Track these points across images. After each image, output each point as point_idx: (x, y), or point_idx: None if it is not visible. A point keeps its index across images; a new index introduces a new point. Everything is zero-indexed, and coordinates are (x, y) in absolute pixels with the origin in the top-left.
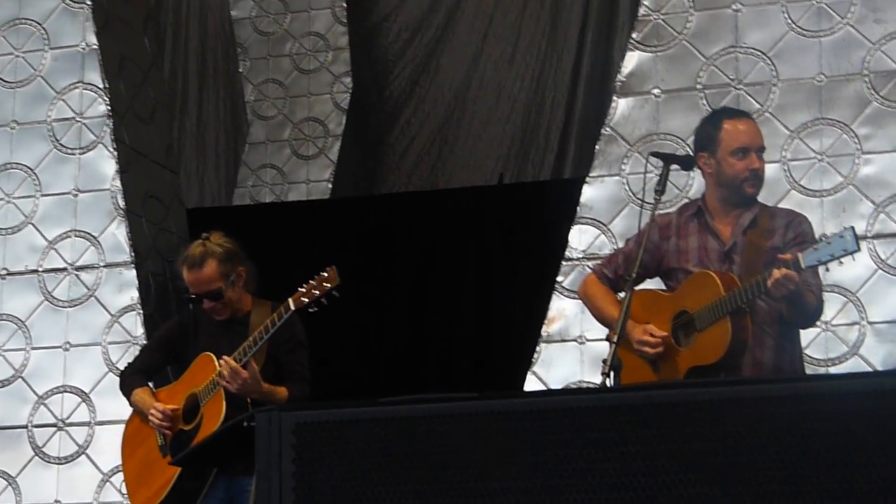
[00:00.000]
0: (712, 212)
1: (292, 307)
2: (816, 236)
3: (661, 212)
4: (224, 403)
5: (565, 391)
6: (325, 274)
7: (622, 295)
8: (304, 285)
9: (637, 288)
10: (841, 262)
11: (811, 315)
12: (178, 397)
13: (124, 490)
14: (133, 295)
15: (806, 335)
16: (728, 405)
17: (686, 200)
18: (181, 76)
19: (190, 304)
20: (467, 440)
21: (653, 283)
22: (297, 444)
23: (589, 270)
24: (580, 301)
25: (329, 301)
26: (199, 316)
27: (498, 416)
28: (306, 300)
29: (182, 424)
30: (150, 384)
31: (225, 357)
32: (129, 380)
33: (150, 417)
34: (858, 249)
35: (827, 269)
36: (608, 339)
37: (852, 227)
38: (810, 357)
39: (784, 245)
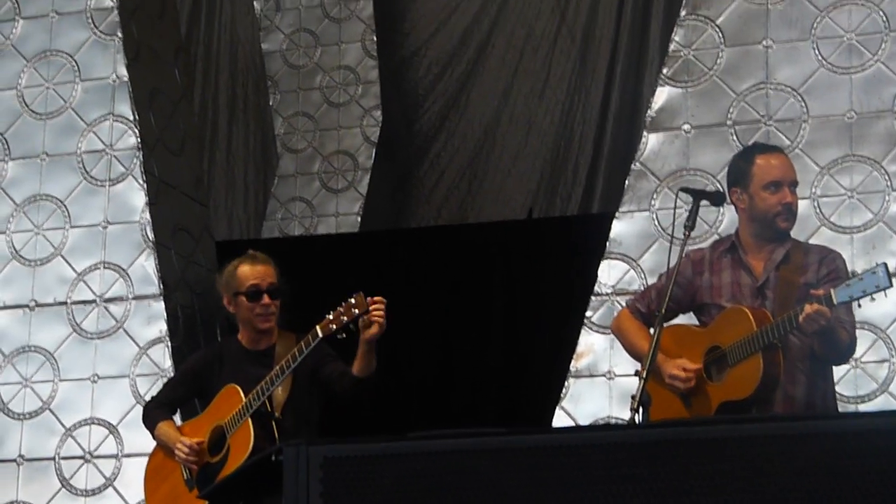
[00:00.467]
0: (745, 247)
1: (320, 334)
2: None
3: (695, 247)
4: (252, 435)
5: (594, 427)
6: (354, 300)
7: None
8: (332, 312)
9: (670, 323)
10: (873, 299)
11: (843, 352)
12: (202, 430)
13: None
14: (161, 327)
15: (836, 372)
16: (758, 442)
17: (716, 236)
18: (211, 109)
19: (249, 297)
20: (496, 475)
21: (685, 319)
22: (324, 478)
23: (618, 306)
24: (609, 336)
25: (357, 328)
26: (225, 349)
27: (527, 451)
28: (334, 327)
29: (208, 457)
30: (176, 417)
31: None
32: (153, 413)
33: (177, 452)
34: (891, 285)
35: (859, 306)
36: (637, 374)
37: (885, 264)
38: (840, 394)
39: (818, 281)
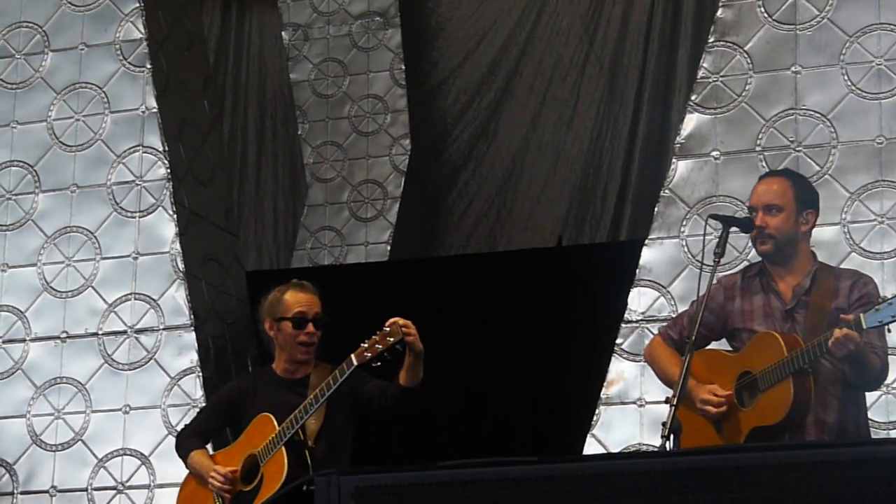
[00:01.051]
0: (772, 272)
1: (355, 362)
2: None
3: (725, 273)
4: (286, 462)
5: (624, 455)
6: (388, 329)
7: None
8: (367, 340)
9: (701, 349)
10: None
11: (875, 377)
12: (235, 459)
13: None
14: (192, 357)
15: (868, 398)
16: (789, 469)
17: (746, 263)
18: (240, 139)
19: (293, 325)
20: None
21: (718, 345)
22: None
23: (648, 333)
24: (640, 363)
25: (392, 356)
26: (259, 378)
27: (558, 480)
28: (369, 355)
29: (241, 486)
30: (209, 446)
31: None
32: (186, 442)
33: (211, 480)
34: None
35: (889, 331)
36: (668, 401)
37: None
38: (871, 420)
39: (849, 306)
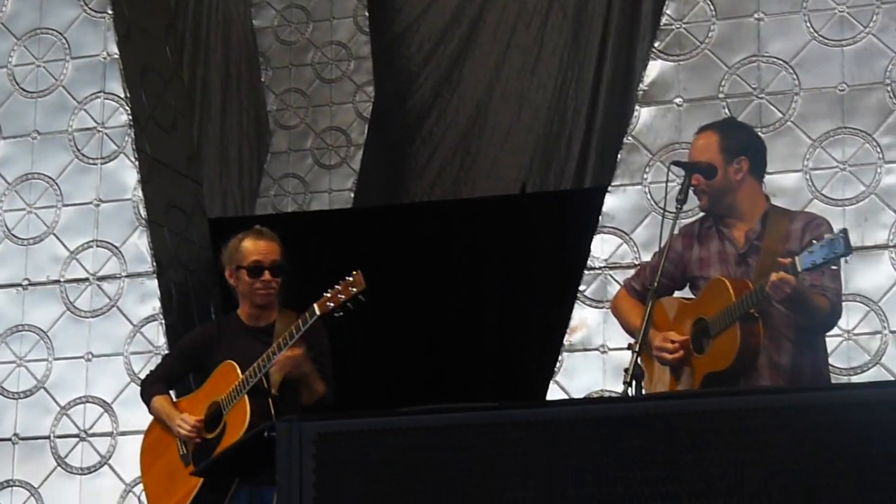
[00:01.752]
0: (726, 220)
1: (317, 312)
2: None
3: (686, 222)
4: (248, 410)
5: (585, 401)
6: (351, 279)
7: (662, 301)
8: (330, 290)
9: (663, 298)
10: (835, 265)
11: (823, 319)
12: (199, 406)
13: (145, 501)
14: (155, 305)
15: (828, 344)
16: (748, 415)
17: None
18: (203, 86)
19: (249, 273)
20: (488, 450)
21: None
22: (317, 454)
23: (611, 280)
24: (602, 310)
25: (355, 306)
26: (224, 325)
27: (519, 425)
28: (332, 305)
29: (205, 433)
30: (172, 393)
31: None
32: (150, 388)
33: (178, 429)
34: (849, 252)
35: (832, 267)
36: (630, 347)
37: (845, 230)
38: (832, 366)
39: (801, 249)
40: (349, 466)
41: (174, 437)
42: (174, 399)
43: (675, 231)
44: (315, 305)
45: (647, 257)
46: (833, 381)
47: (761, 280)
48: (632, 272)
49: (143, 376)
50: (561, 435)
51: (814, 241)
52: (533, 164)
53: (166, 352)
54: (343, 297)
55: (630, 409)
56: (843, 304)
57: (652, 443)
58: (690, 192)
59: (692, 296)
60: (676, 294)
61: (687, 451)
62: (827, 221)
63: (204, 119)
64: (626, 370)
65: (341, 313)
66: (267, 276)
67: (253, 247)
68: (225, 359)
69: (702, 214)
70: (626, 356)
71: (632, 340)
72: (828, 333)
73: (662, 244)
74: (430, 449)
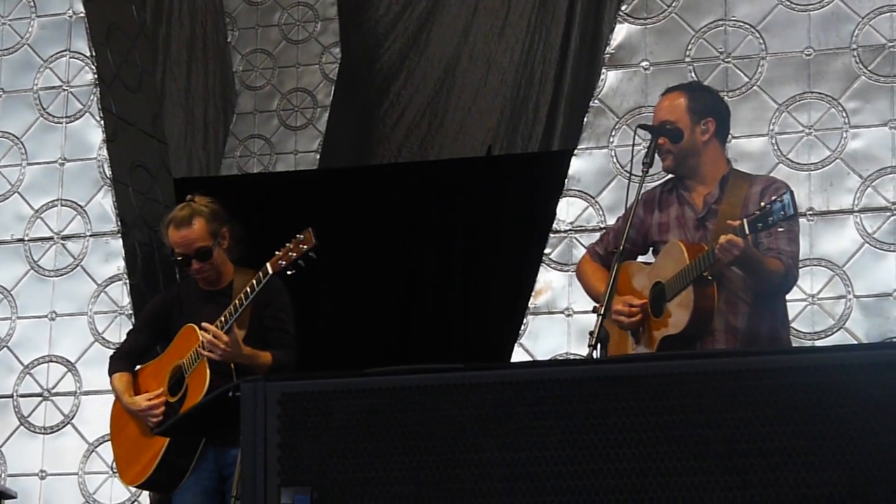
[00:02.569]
0: (686, 183)
1: (270, 271)
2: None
3: (651, 185)
4: (208, 373)
5: (550, 363)
6: (301, 236)
7: (624, 265)
8: (281, 249)
9: (627, 262)
10: (781, 227)
11: (778, 282)
12: (164, 371)
13: (110, 460)
14: (119, 264)
15: (792, 309)
16: (713, 378)
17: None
18: (166, 45)
19: (177, 266)
20: (453, 411)
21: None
22: (282, 414)
23: (576, 243)
24: (567, 273)
25: (307, 263)
26: (183, 290)
27: (484, 387)
28: (283, 263)
29: (168, 397)
30: (135, 370)
31: (204, 324)
32: (114, 363)
33: (146, 418)
34: (795, 213)
35: (784, 229)
36: (595, 311)
37: (790, 191)
38: (797, 330)
39: None
40: (314, 427)
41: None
42: (134, 372)
43: (640, 195)
44: (267, 264)
45: (612, 221)
46: (797, 345)
47: (714, 243)
48: (597, 236)
49: (107, 336)
50: (526, 396)
51: (762, 203)
52: (500, 127)
53: (131, 311)
54: (294, 254)
55: (594, 371)
56: (809, 268)
57: (616, 405)
58: (656, 156)
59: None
60: (640, 259)
61: (651, 414)
62: (786, 185)
63: (168, 78)
64: (591, 333)
65: (294, 271)
66: (195, 265)
67: (175, 238)
68: (186, 322)
69: (664, 179)
70: (591, 319)
71: (596, 304)
72: (791, 297)
73: (628, 206)
74: (396, 410)
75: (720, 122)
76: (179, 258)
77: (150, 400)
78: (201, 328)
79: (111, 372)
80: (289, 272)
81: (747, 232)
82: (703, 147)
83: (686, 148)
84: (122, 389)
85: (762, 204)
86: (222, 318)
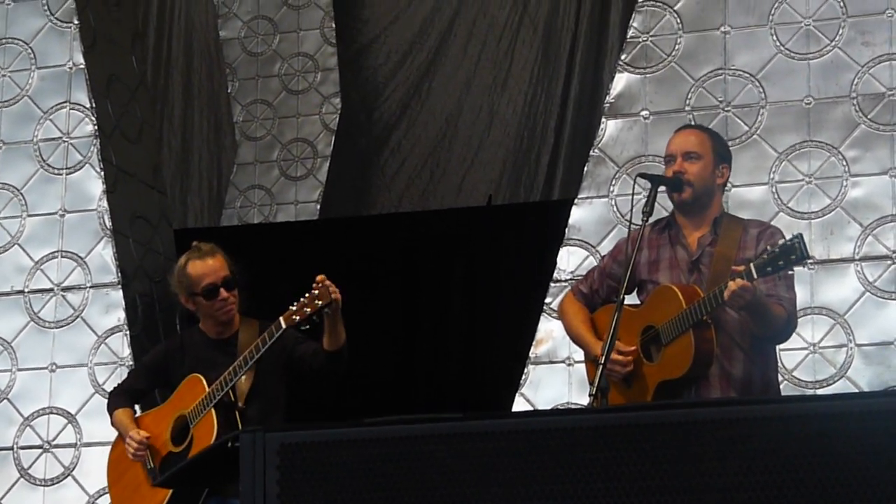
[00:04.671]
0: (681, 224)
1: (283, 325)
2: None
3: (638, 225)
4: (216, 423)
5: (549, 412)
6: (317, 291)
7: (607, 308)
8: (295, 303)
9: (608, 305)
10: (792, 271)
11: (780, 329)
12: (165, 420)
13: None
14: (120, 316)
15: (793, 357)
16: (713, 426)
17: None
18: (166, 96)
19: (206, 296)
20: (452, 461)
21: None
22: (281, 464)
23: None
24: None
25: (321, 319)
26: (187, 339)
27: (483, 436)
28: (298, 318)
29: (171, 447)
30: (137, 407)
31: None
32: (114, 400)
33: (126, 446)
34: (806, 257)
35: (788, 272)
36: (593, 360)
37: (801, 235)
38: (798, 379)
39: (756, 256)
40: (313, 477)
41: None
42: (138, 413)
43: (629, 234)
44: (281, 319)
45: None
46: (798, 393)
47: (714, 287)
48: None
49: (107, 387)
50: (524, 446)
51: (769, 248)
52: (503, 178)
53: (131, 363)
54: (309, 309)
55: (592, 420)
56: (810, 317)
57: (615, 454)
58: (656, 205)
59: (638, 301)
60: (626, 301)
61: (650, 463)
62: (780, 231)
63: (167, 129)
64: (591, 383)
65: (308, 326)
66: (223, 293)
67: (199, 271)
68: (189, 372)
69: (654, 220)
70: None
71: (588, 353)
72: (792, 346)
73: (626, 255)
74: (394, 460)
75: (730, 172)
76: (204, 289)
77: (143, 438)
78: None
79: (114, 407)
80: (302, 328)
81: (755, 276)
82: (717, 190)
83: (706, 185)
84: (129, 423)
85: (768, 247)
86: (230, 371)
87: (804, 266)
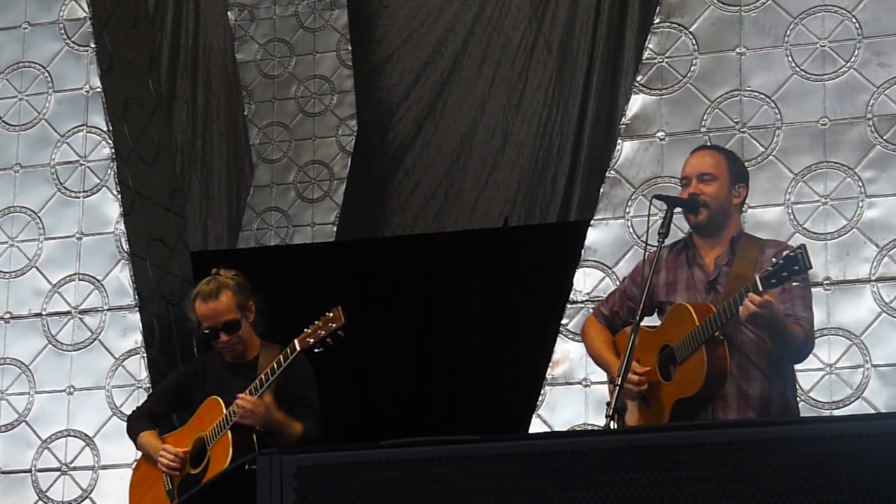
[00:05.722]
0: (698, 245)
1: (298, 348)
2: (814, 273)
3: (654, 246)
4: (231, 446)
5: (563, 433)
6: (331, 315)
7: (627, 330)
8: (310, 326)
9: (629, 327)
10: (795, 281)
11: (798, 348)
12: (185, 442)
13: None
14: (137, 338)
15: (810, 378)
16: (732, 447)
17: None
18: (184, 119)
19: (205, 338)
20: (469, 483)
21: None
22: (298, 487)
23: None
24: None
25: (335, 342)
26: (208, 362)
27: (499, 458)
28: (312, 341)
29: (190, 469)
30: (156, 429)
31: (240, 395)
32: (137, 423)
33: (160, 459)
34: (809, 268)
35: (796, 284)
36: (612, 381)
37: (803, 246)
38: (815, 399)
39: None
40: (330, 499)
41: (161, 473)
42: (160, 435)
43: (646, 256)
44: (296, 341)
45: None
46: (815, 414)
47: (725, 303)
48: None
49: (125, 410)
50: (541, 468)
51: (773, 260)
52: (517, 199)
53: (148, 385)
54: (323, 332)
55: (607, 442)
56: (826, 338)
57: (631, 476)
58: (672, 226)
59: (659, 322)
60: (646, 321)
61: (667, 485)
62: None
63: (186, 152)
64: (608, 404)
65: (321, 349)
66: (223, 337)
67: (202, 312)
68: (210, 395)
69: (671, 241)
70: (608, 390)
71: (610, 374)
72: (808, 367)
73: (644, 276)
74: (411, 482)
75: (748, 191)
76: (207, 331)
77: (179, 453)
78: (236, 399)
79: (137, 431)
80: (316, 350)
81: (761, 289)
82: (733, 210)
83: (722, 205)
84: (157, 442)
85: (773, 260)
86: (247, 393)
87: (819, 287)
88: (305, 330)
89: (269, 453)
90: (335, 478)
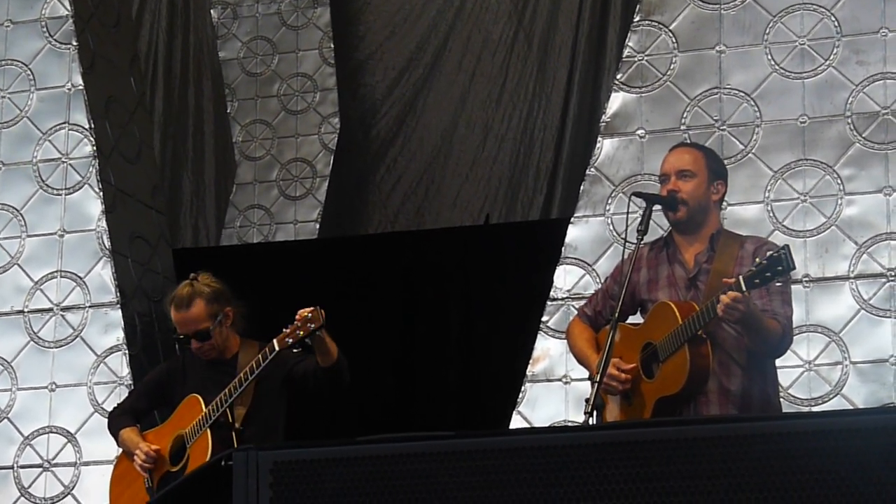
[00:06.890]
0: (678, 242)
1: (276, 348)
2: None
3: (633, 243)
4: (210, 443)
5: (540, 429)
6: (309, 314)
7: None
8: (289, 326)
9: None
10: (779, 281)
11: (776, 344)
12: (165, 439)
13: None
14: (119, 335)
15: (789, 375)
16: (708, 443)
17: None
18: (168, 117)
19: (177, 344)
20: (445, 478)
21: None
22: (274, 483)
23: (573, 310)
24: (565, 341)
25: (312, 341)
26: (188, 360)
27: (476, 454)
28: (290, 341)
29: (169, 466)
30: (138, 425)
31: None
32: (118, 420)
33: (135, 458)
34: (793, 268)
35: (777, 284)
36: (591, 378)
37: (787, 246)
38: (793, 396)
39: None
40: (306, 495)
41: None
42: (141, 432)
43: (627, 255)
44: (274, 341)
45: None
46: (793, 411)
47: (708, 302)
48: None
49: (106, 407)
50: (518, 464)
51: (757, 260)
52: (499, 195)
53: (130, 382)
54: (301, 332)
55: (586, 438)
56: (805, 335)
57: (609, 471)
58: (651, 223)
59: (641, 320)
60: (629, 319)
61: (645, 480)
62: (777, 246)
63: (169, 149)
64: (587, 400)
65: (300, 348)
66: (194, 344)
67: (175, 318)
68: (190, 392)
69: (652, 239)
70: (589, 386)
71: (590, 371)
72: (787, 363)
73: (623, 273)
74: (388, 478)
75: (727, 188)
76: (181, 336)
77: (151, 451)
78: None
79: (118, 427)
80: (295, 349)
81: (744, 288)
82: (712, 207)
83: (701, 202)
84: (138, 439)
85: (757, 259)
86: (226, 393)
87: (798, 284)
88: (284, 330)
89: (246, 449)
90: (311, 474)
